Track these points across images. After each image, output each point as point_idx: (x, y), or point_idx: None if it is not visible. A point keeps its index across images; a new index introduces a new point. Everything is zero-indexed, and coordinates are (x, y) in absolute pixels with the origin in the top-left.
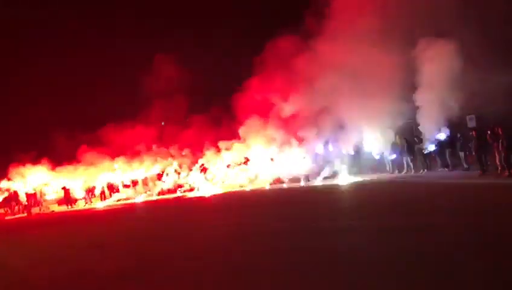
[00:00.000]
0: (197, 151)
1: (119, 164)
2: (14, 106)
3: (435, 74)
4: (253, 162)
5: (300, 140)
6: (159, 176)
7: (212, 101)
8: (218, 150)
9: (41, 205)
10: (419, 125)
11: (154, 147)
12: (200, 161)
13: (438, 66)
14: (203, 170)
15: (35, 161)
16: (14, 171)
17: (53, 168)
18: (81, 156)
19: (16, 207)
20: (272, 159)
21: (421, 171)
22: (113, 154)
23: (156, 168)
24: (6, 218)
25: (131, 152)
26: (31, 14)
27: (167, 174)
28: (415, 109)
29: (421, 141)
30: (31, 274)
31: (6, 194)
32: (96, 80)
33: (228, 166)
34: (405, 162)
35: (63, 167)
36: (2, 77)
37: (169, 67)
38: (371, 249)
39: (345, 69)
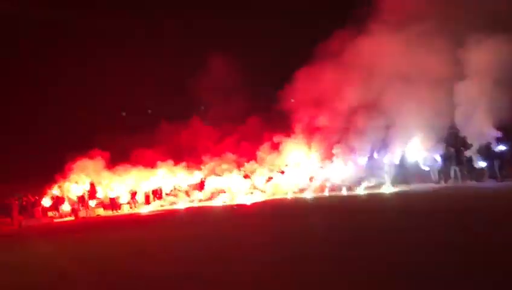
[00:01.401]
0: (241, 156)
1: (164, 170)
2: (66, 105)
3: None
4: (294, 170)
5: (344, 149)
6: (202, 184)
7: (259, 103)
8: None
9: (88, 209)
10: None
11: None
12: (242, 169)
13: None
14: (245, 176)
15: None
16: (70, 169)
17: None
18: (134, 158)
19: (63, 211)
20: (313, 168)
21: (468, 181)
22: (163, 157)
23: (198, 176)
24: (55, 221)
25: (179, 155)
26: (80, 13)
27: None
28: (462, 116)
29: (467, 148)
30: (78, 273)
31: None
32: (149, 79)
33: (246, 175)
34: (452, 172)
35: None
36: (54, 75)
37: (222, 67)
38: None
39: (392, 73)
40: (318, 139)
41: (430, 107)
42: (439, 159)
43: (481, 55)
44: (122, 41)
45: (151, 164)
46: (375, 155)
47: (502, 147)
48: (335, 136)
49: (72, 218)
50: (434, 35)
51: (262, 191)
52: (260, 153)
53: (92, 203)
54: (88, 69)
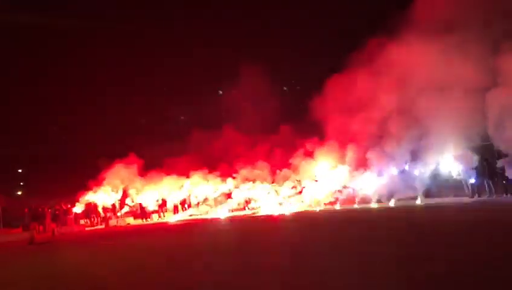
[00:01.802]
0: (274, 164)
1: (193, 179)
2: (99, 113)
3: None
4: (322, 182)
5: (376, 159)
6: (229, 195)
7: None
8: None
9: (118, 217)
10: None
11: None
12: (271, 181)
13: None
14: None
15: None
16: (104, 175)
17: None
18: (166, 166)
19: (95, 219)
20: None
21: (504, 195)
22: (195, 166)
23: (226, 186)
24: (86, 229)
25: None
26: (115, 21)
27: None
28: (496, 126)
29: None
30: (108, 281)
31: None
32: (182, 89)
33: (294, 187)
34: (486, 185)
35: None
36: (87, 82)
37: (254, 76)
38: None
39: (426, 82)
40: (350, 150)
41: (464, 117)
42: (472, 171)
43: None
44: (157, 50)
45: (183, 172)
46: (407, 167)
47: None
48: (367, 146)
49: (103, 226)
50: (469, 43)
51: (290, 203)
52: (293, 161)
53: (123, 211)
54: (122, 76)
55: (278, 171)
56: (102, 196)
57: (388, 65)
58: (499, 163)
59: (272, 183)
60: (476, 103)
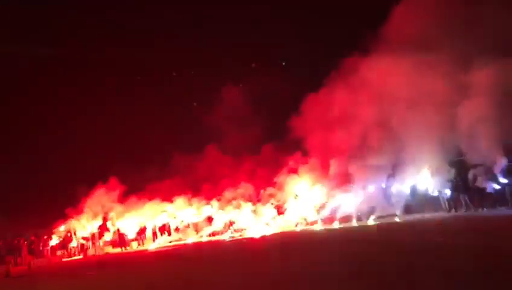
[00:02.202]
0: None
1: (172, 206)
2: (76, 141)
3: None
4: (302, 201)
5: (358, 173)
6: (210, 219)
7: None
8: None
9: (96, 247)
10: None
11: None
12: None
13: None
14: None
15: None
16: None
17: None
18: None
19: (72, 249)
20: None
21: (479, 209)
22: (178, 190)
23: (207, 211)
24: (64, 260)
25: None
26: (86, 48)
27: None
28: (471, 143)
29: (476, 177)
30: None
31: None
32: (163, 111)
33: (277, 206)
34: (462, 200)
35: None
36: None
37: (234, 97)
38: None
39: (400, 99)
40: (332, 164)
41: (437, 131)
42: (447, 187)
43: (484, 77)
44: (133, 74)
45: (166, 197)
46: (383, 185)
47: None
48: (349, 160)
49: (81, 256)
50: (440, 60)
51: (267, 224)
52: (277, 179)
53: (101, 241)
54: (100, 100)
55: (262, 191)
56: (80, 225)
57: (364, 82)
58: (470, 174)
59: (257, 203)
60: (449, 117)
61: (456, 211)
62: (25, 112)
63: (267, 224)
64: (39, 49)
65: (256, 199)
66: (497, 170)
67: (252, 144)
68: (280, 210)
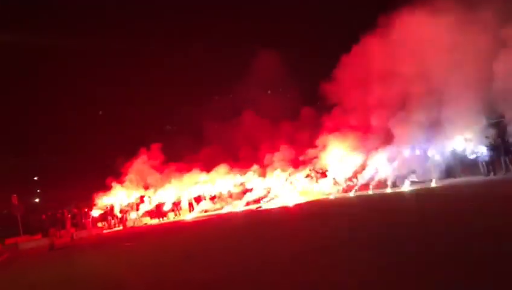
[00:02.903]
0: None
1: (205, 176)
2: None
3: None
4: (334, 168)
5: (386, 142)
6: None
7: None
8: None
9: (135, 218)
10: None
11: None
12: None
13: None
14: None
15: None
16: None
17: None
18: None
19: (113, 221)
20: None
21: None
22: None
23: (239, 179)
24: (104, 231)
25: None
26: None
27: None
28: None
29: None
30: (129, 282)
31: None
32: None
33: (308, 175)
34: (503, 163)
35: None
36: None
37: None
38: None
39: (440, 57)
40: (361, 135)
41: (476, 93)
42: (485, 150)
43: None
44: (166, 41)
45: (204, 166)
46: (418, 149)
47: None
48: (379, 130)
49: (121, 228)
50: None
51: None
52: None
53: (140, 212)
54: (130, 73)
55: (300, 157)
56: (120, 196)
57: (401, 38)
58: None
59: (295, 169)
60: (489, 77)
61: (495, 174)
62: (61, 87)
63: (301, 192)
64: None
65: (295, 164)
66: None
67: (290, 108)
68: (317, 176)
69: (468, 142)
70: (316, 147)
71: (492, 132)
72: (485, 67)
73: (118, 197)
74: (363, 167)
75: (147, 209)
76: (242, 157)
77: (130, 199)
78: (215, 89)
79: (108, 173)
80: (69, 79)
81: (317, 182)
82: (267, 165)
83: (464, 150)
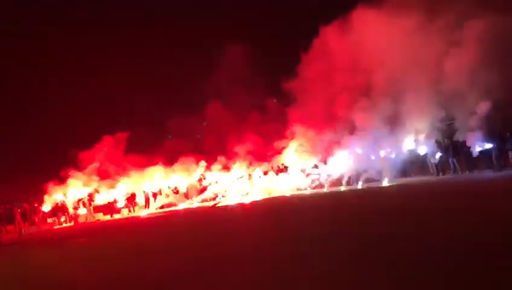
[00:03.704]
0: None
1: (161, 171)
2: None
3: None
4: (292, 167)
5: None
6: (200, 184)
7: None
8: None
9: (88, 214)
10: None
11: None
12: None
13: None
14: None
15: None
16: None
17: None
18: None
19: (63, 217)
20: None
21: (467, 172)
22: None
23: (197, 175)
24: (55, 227)
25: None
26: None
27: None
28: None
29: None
30: (80, 277)
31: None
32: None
33: (265, 173)
34: (451, 164)
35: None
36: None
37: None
38: None
39: (391, 63)
40: (318, 133)
41: (426, 96)
42: (436, 151)
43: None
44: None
45: (166, 160)
46: (373, 148)
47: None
48: (335, 129)
49: (72, 224)
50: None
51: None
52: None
53: (92, 207)
54: (100, 63)
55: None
56: (73, 190)
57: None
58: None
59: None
60: (438, 80)
61: (443, 174)
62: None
63: (259, 189)
64: None
65: (259, 158)
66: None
67: (256, 101)
68: (276, 172)
69: (418, 142)
70: (280, 140)
71: (442, 133)
72: (437, 68)
73: (70, 191)
74: (320, 165)
75: (99, 205)
76: (206, 150)
77: (83, 193)
78: (182, 80)
79: (63, 164)
80: (29, 59)
81: (276, 176)
82: (231, 158)
83: (415, 150)
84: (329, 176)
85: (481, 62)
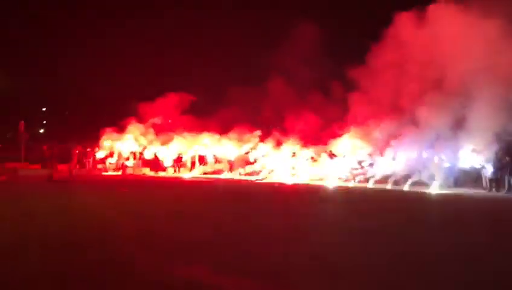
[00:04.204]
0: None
1: (213, 138)
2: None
3: None
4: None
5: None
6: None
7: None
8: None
9: (135, 167)
10: None
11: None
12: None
13: None
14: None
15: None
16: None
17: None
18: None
19: (112, 165)
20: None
21: None
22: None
23: (246, 148)
24: (103, 174)
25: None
26: None
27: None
28: None
29: None
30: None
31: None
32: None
33: (312, 158)
34: (506, 182)
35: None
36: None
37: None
38: None
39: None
40: (373, 130)
41: (497, 105)
42: (490, 167)
43: None
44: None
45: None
46: (425, 154)
47: None
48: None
49: (119, 173)
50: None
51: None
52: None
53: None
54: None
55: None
56: (128, 142)
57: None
58: None
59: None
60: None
61: (497, 191)
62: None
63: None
64: None
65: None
66: None
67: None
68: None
69: (475, 153)
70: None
71: (501, 149)
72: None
73: (126, 142)
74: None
75: (148, 159)
76: (262, 124)
77: (136, 146)
78: (246, 52)
79: (122, 115)
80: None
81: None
82: (285, 136)
83: (472, 161)
84: (377, 172)
85: None
